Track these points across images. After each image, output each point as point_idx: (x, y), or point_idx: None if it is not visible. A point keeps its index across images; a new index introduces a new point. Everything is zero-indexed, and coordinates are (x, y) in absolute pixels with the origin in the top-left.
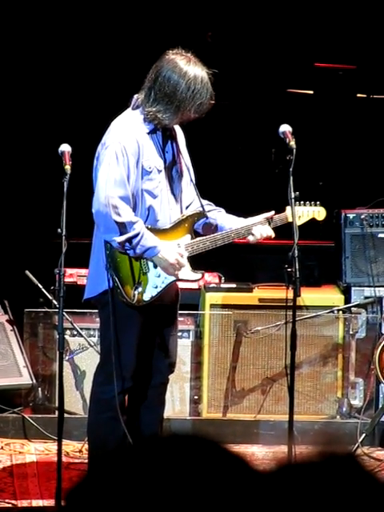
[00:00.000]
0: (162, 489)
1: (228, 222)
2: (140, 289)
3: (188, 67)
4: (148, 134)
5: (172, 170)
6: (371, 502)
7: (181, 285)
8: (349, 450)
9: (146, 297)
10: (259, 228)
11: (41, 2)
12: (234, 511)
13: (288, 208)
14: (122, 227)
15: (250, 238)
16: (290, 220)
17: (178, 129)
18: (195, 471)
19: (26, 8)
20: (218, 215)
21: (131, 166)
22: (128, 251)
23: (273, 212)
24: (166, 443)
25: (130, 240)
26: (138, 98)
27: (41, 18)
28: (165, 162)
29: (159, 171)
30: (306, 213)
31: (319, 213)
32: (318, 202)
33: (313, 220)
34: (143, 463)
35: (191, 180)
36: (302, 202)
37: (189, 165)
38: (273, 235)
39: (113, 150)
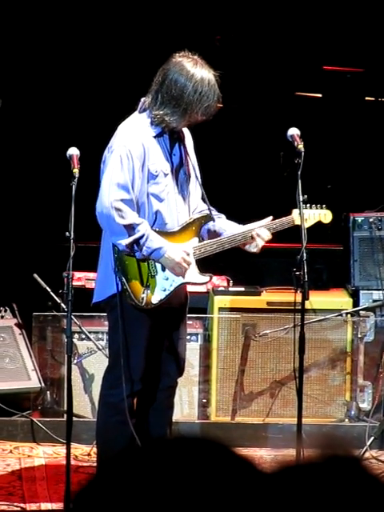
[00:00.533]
0: (169, 490)
1: (228, 228)
2: (148, 292)
3: (195, 70)
4: (155, 137)
5: (179, 173)
6: (374, 503)
7: (189, 288)
8: (351, 452)
9: (155, 300)
10: (262, 230)
11: (48, 7)
12: None
13: (294, 211)
14: (127, 230)
15: (251, 248)
16: (297, 223)
17: (186, 131)
18: (202, 473)
19: (35, 13)
20: (218, 221)
21: (136, 170)
22: (134, 253)
23: (271, 217)
24: (173, 445)
25: (135, 242)
26: (145, 101)
27: (49, 22)
28: (172, 165)
29: (165, 175)
30: (312, 216)
31: (325, 216)
32: (324, 205)
33: (319, 223)
34: (150, 465)
35: (198, 183)
36: (308, 205)
37: (196, 168)
38: (270, 237)
39: (118, 153)
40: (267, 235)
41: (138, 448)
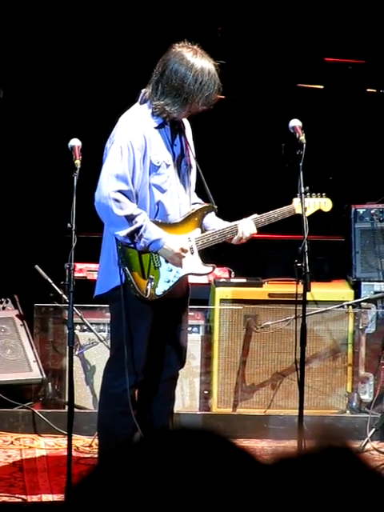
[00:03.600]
0: (168, 482)
1: (214, 223)
2: (153, 283)
3: (195, 59)
4: (156, 128)
5: (181, 164)
6: (371, 495)
7: (191, 279)
8: (349, 444)
9: (159, 291)
10: (246, 225)
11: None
12: (239, 504)
13: (295, 200)
14: (126, 221)
15: (234, 239)
16: (298, 211)
17: (185, 122)
18: (201, 465)
19: (35, 3)
20: (207, 215)
21: (137, 161)
22: (132, 245)
23: (255, 215)
24: (173, 437)
25: (134, 233)
26: (145, 92)
27: (50, 12)
28: (174, 155)
29: (168, 165)
30: (312, 204)
31: (325, 204)
32: (324, 194)
33: (319, 211)
34: (150, 456)
35: (199, 173)
36: (308, 194)
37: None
38: (255, 232)
39: (118, 144)
40: (251, 229)
41: (138, 439)
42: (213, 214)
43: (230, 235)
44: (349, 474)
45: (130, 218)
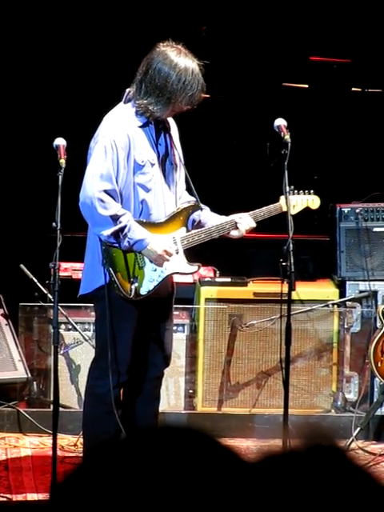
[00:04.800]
0: (153, 480)
1: (212, 219)
2: (137, 283)
3: (178, 59)
4: (140, 127)
5: (166, 163)
6: (357, 493)
7: (176, 279)
8: (335, 442)
9: (143, 291)
10: (245, 218)
11: None
12: (224, 502)
13: (281, 198)
14: (110, 220)
15: (234, 233)
16: (285, 209)
17: (171, 121)
18: (186, 463)
19: (22, 3)
20: (203, 212)
21: (121, 160)
22: (116, 244)
23: (251, 212)
24: (158, 435)
25: (118, 233)
26: (129, 91)
27: (35, 12)
28: (158, 154)
29: (152, 164)
30: (299, 201)
31: (313, 201)
32: (312, 191)
33: (307, 209)
34: (134, 454)
35: (185, 173)
36: (295, 191)
37: (181, 158)
38: (255, 226)
39: (102, 144)
40: (251, 222)
41: (123, 438)
42: (208, 209)
43: (228, 230)
44: (336, 471)
45: (115, 218)
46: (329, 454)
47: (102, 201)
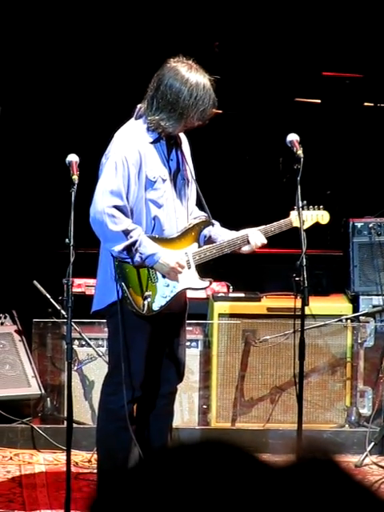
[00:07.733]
0: (175, 501)
1: (222, 234)
2: (149, 299)
3: (190, 74)
4: (151, 143)
5: (177, 178)
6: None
7: (189, 294)
8: (330, 455)
9: (156, 306)
10: (256, 234)
11: (46, 12)
12: None
13: (292, 213)
14: (121, 236)
15: (245, 248)
16: (295, 224)
17: (182, 137)
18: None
19: (32, 20)
20: (213, 227)
21: (132, 177)
22: (127, 260)
23: (262, 227)
24: (175, 455)
25: (129, 248)
26: (140, 107)
27: (46, 30)
28: (170, 170)
29: (164, 180)
30: (309, 217)
31: (323, 217)
32: (321, 206)
33: (317, 224)
34: (153, 478)
35: (196, 188)
36: (305, 207)
37: (193, 173)
38: (266, 242)
39: (113, 160)
40: (262, 239)
41: (139, 461)
42: (218, 225)
43: (239, 245)
44: (332, 485)
45: (126, 233)
46: (325, 467)
47: (112, 216)
